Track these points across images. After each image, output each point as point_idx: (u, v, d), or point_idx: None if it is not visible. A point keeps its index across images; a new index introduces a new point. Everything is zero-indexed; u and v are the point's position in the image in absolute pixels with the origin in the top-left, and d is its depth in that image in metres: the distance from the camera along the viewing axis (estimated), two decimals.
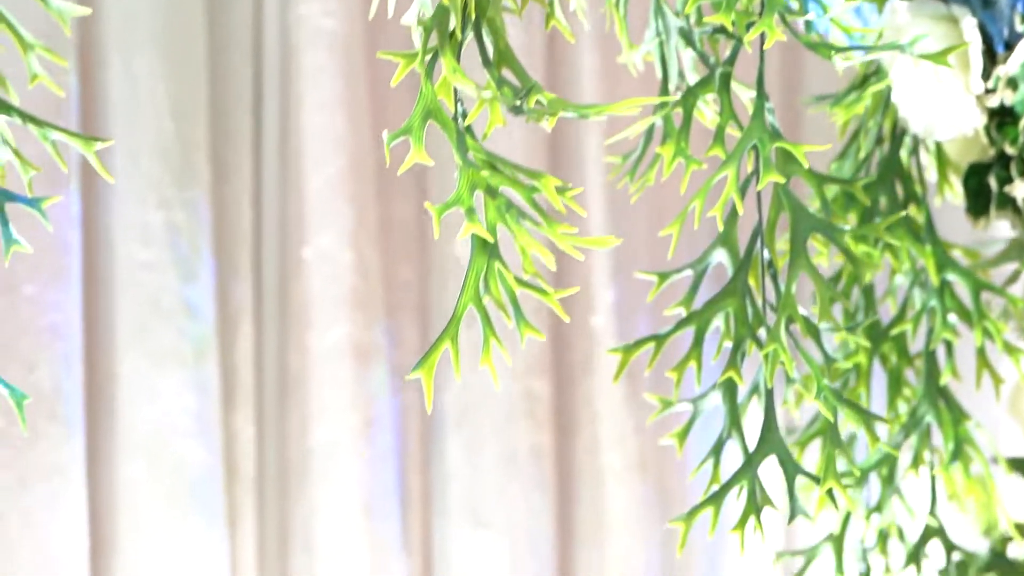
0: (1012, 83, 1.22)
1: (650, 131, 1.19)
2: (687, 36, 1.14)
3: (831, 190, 1.31)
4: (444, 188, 1.83)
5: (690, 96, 1.14)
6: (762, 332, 1.15)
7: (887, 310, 1.41)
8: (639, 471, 1.85)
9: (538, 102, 0.98)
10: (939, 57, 1.11)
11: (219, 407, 1.70)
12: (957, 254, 1.37)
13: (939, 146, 1.37)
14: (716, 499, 1.14)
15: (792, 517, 1.12)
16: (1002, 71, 1.22)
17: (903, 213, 1.20)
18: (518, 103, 0.97)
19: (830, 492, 1.10)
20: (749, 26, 1.09)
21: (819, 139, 1.89)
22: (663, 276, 1.19)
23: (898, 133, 1.33)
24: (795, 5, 1.12)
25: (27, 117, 0.99)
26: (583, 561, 1.84)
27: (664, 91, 1.19)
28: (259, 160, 1.76)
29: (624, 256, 1.84)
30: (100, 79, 1.65)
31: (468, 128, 1.01)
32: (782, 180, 1.09)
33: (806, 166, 1.10)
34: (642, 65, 1.25)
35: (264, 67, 1.75)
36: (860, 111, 1.31)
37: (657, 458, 1.86)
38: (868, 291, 1.33)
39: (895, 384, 1.33)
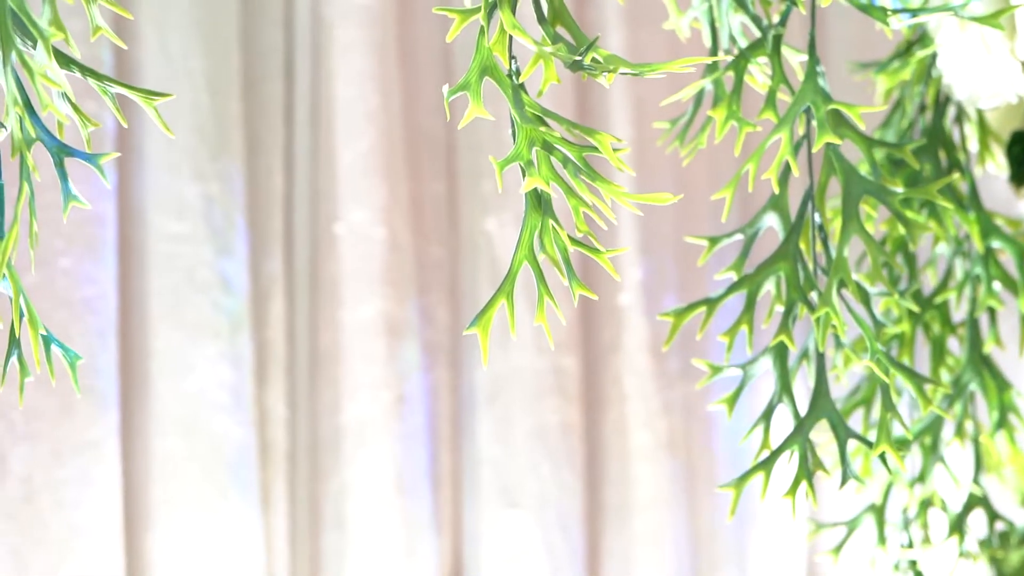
0: None
1: (699, 96, 1.18)
2: (742, 2, 1.13)
3: (879, 155, 1.29)
4: (475, 166, 1.81)
5: (742, 59, 1.13)
6: (813, 296, 1.13)
7: (927, 281, 1.40)
8: (668, 449, 1.84)
9: (594, 59, 0.97)
10: (990, 19, 1.09)
11: (253, 382, 1.68)
12: (1001, 223, 1.36)
13: (981, 115, 1.36)
14: (767, 464, 1.13)
15: (844, 482, 1.10)
16: None
17: (953, 176, 1.18)
18: (578, 58, 0.96)
19: (883, 456, 1.09)
20: None
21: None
22: (714, 240, 1.17)
23: (941, 101, 1.31)
24: None
25: (88, 71, 0.98)
26: (612, 539, 1.82)
27: (713, 55, 1.17)
28: (291, 134, 1.75)
29: (650, 234, 1.83)
30: (135, 55, 1.64)
31: (521, 85, 1.00)
32: (839, 141, 1.08)
33: (863, 127, 1.08)
34: (688, 31, 1.23)
35: (296, 42, 1.74)
36: (906, 77, 1.30)
37: (686, 437, 1.85)
38: (911, 259, 1.32)
39: (938, 353, 1.31)
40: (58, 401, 1.56)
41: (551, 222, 0.98)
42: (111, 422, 1.59)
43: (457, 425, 1.81)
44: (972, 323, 1.30)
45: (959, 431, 1.29)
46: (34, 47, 0.97)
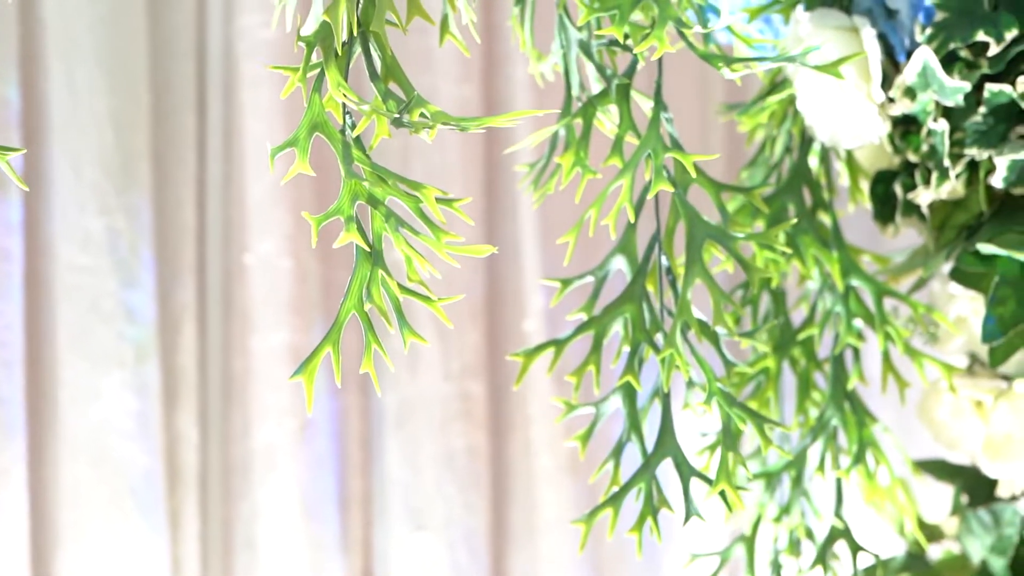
0: (910, 92, 1.20)
1: (554, 140, 1.17)
2: (586, 48, 1.12)
3: (738, 198, 1.29)
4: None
5: (589, 107, 1.12)
6: (660, 337, 1.13)
7: (803, 315, 1.39)
8: (570, 473, 1.83)
9: (422, 115, 0.96)
10: (831, 68, 1.08)
11: (160, 408, 1.67)
12: (868, 260, 1.35)
13: (850, 153, 1.35)
14: (615, 500, 1.12)
15: (687, 518, 1.10)
16: (900, 81, 1.20)
17: (792, 221, 1.17)
18: (398, 115, 0.95)
19: (723, 494, 1.08)
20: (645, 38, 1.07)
21: (736, 147, 1.87)
22: (565, 283, 1.16)
23: (807, 140, 1.31)
24: (693, 16, 1.10)
25: None
26: (517, 559, 1.81)
27: (568, 101, 1.16)
28: (203, 167, 1.74)
29: (554, 262, 1.82)
30: (42, 90, 1.63)
31: (357, 140, 0.99)
32: (671, 189, 1.07)
33: (693, 175, 1.08)
34: (552, 76, 1.23)
35: (208, 76, 1.73)
36: (764, 120, 1.29)
37: (588, 460, 1.84)
38: (778, 296, 1.31)
39: (804, 387, 1.30)
40: None
41: (380, 272, 0.97)
42: (17, 450, 1.58)
43: (367, 448, 1.80)
44: (835, 359, 1.29)
45: (820, 465, 1.28)
46: None
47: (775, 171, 1.31)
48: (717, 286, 1.09)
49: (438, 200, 0.95)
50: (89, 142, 1.63)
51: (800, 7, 1.24)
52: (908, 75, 1.19)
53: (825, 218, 1.30)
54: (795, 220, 1.17)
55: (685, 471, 1.10)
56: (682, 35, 1.08)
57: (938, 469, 1.41)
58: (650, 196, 1.08)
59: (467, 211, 2.00)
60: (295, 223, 1.73)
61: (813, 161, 1.31)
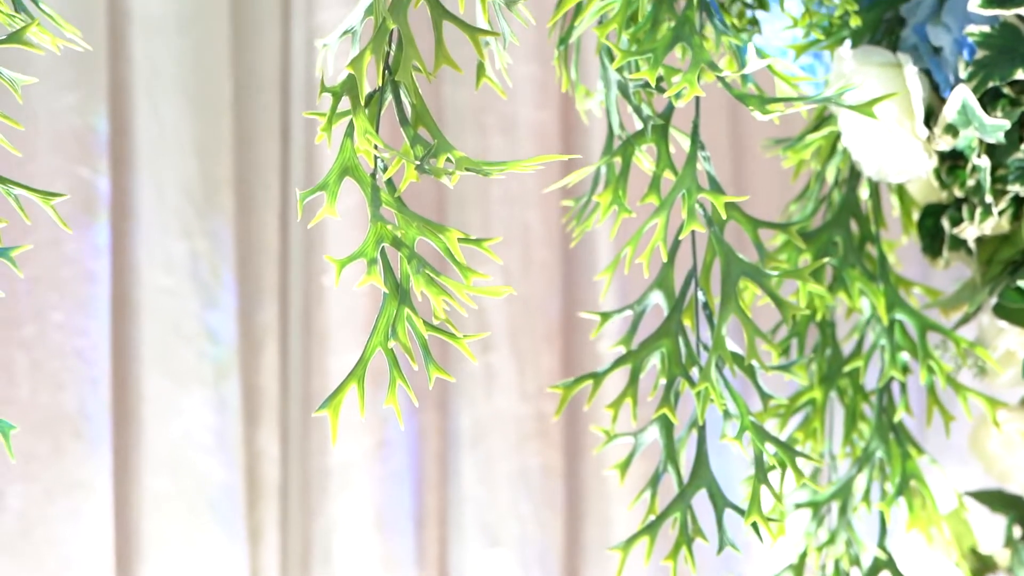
0: (951, 130, 1.19)
1: (596, 177, 1.19)
2: (624, 89, 1.13)
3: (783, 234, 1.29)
4: (460, 221, 1.83)
5: (627, 146, 1.13)
6: (696, 371, 1.13)
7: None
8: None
9: (448, 159, 0.98)
10: (866, 108, 1.08)
11: (240, 425, 1.71)
12: (919, 292, 1.34)
13: (901, 186, 1.34)
14: (651, 529, 1.13)
15: (721, 548, 1.10)
16: (941, 118, 1.19)
17: (824, 260, 1.17)
18: (418, 162, 0.97)
19: (755, 525, 1.09)
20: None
21: (775, 183, 1.85)
22: (605, 316, 1.18)
23: (855, 173, 1.30)
24: (725, 57, 1.11)
25: None
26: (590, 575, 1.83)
27: (609, 139, 1.18)
28: (287, 192, 1.78)
29: (630, 286, 1.83)
30: (129, 120, 1.68)
31: (389, 182, 1.02)
32: (702, 230, 1.08)
33: (723, 216, 1.08)
34: (600, 113, 1.24)
35: (291, 105, 1.76)
36: (807, 156, 1.29)
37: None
38: (825, 328, 1.31)
39: (851, 418, 1.30)
40: (51, 443, 1.61)
41: (407, 310, 1.00)
42: (102, 463, 1.63)
43: (444, 466, 1.82)
44: (880, 391, 1.28)
45: (865, 496, 1.28)
46: None
47: (824, 204, 1.31)
48: (751, 322, 1.10)
49: (463, 240, 0.98)
50: (173, 169, 1.68)
51: (847, 43, 1.24)
52: (948, 112, 1.18)
53: (875, 251, 1.30)
54: (827, 260, 1.17)
55: (719, 502, 1.11)
56: (719, 78, 1.09)
57: (993, 500, 1.40)
58: (681, 236, 1.09)
59: (546, 235, 2.02)
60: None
61: (865, 193, 1.31)
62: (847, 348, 1.35)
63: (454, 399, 1.83)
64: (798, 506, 1.31)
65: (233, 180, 1.71)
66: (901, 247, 1.37)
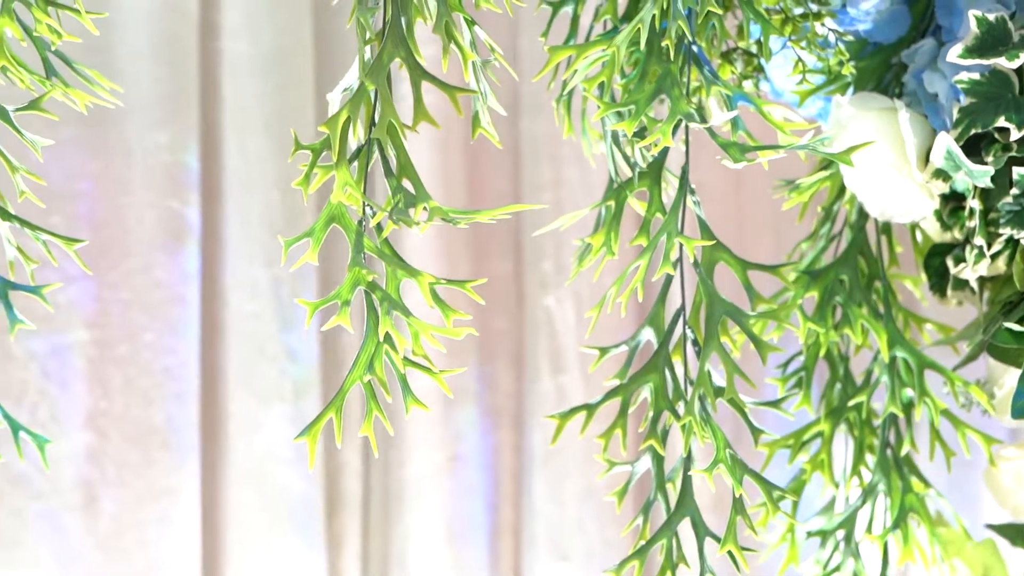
0: (940, 174, 1.20)
1: (597, 220, 1.22)
2: (615, 137, 1.17)
3: (794, 269, 1.31)
4: (537, 248, 1.88)
5: (620, 191, 1.17)
6: (683, 405, 1.16)
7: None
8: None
9: (424, 208, 1.03)
10: (843, 156, 1.10)
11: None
12: (931, 329, 1.34)
13: (915, 225, 1.35)
14: (641, 554, 1.17)
15: (701, 574, 1.13)
16: (930, 164, 1.20)
17: (799, 300, 1.19)
18: (389, 213, 1.03)
19: (730, 553, 1.11)
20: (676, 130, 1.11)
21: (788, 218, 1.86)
22: (603, 351, 1.21)
23: (863, 213, 1.31)
24: (715, 103, 1.14)
25: (23, 222, 1.07)
26: None
27: (610, 184, 1.21)
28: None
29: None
30: (218, 156, 1.77)
31: (378, 226, 1.07)
32: (672, 272, 1.11)
33: (691, 258, 1.11)
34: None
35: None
36: (806, 199, 1.30)
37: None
38: (835, 362, 1.32)
39: (859, 452, 1.31)
40: (142, 453, 1.71)
41: (385, 347, 1.05)
42: (189, 472, 1.72)
43: (518, 482, 1.87)
44: (883, 426, 1.29)
45: (868, 528, 1.29)
46: None
47: (836, 242, 1.32)
48: (731, 360, 1.12)
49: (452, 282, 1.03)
50: (258, 201, 1.77)
51: (850, 90, 1.26)
52: (935, 158, 1.19)
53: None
54: (799, 300, 1.18)
55: (700, 531, 1.14)
56: (706, 125, 1.11)
57: (1013, 533, 1.39)
58: (653, 279, 1.12)
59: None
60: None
61: (875, 230, 1.31)
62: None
63: (528, 418, 1.87)
64: (810, 534, 1.33)
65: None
66: (924, 284, 1.37)
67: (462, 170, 1.85)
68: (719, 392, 1.14)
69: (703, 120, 1.11)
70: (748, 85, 1.27)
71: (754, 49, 1.25)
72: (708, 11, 1.07)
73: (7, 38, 1.01)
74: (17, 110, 1.03)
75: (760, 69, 1.27)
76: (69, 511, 1.68)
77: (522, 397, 1.88)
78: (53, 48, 1.04)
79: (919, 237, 1.36)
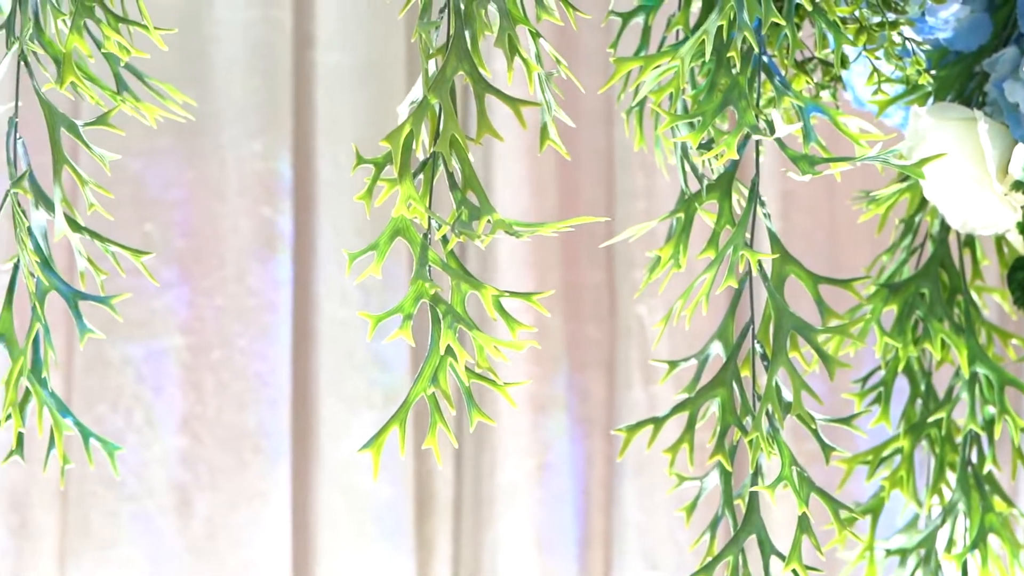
0: (1019, 186, 1.16)
1: (670, 230, 1.21)
2: (685, 149, 1.15)
3: (874, 283, 1.28)
4: (629, 257, 1.87)
5: (689, 203, 1.15)
6: (750, 420, 1.14)
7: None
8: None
9: (488, 221, 1.03)
10: (915, 168, 1.07)
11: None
12: (1016, 343, 1.31)
13: (1001, 238, 1.31)
14: (707, 570, 1.15)
15: None
16: (1008, 175, 1.16)
17: (878, 314, 1.16)
18: (451, 226, 1.03)
19: (794, 571, 1.10)
20: (745, 141, 1.10)
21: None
22: (672, 364, 1.20)
23: (945, 225, 1.28)
24: (778, 117, 1.12)
25: (92, 234, 1.08)
26: None
27: (681, 195, 1.20)
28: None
29: None
30: (310, 165, 1.79)
31: (444, 239, 1.07)
32: (735, 286, 1.09)
33: (755, 271, 1.09)
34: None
35: (473, 155, 1.84)
36: (882, 211, 1.27)
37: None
38: (916, 377, 1.29)
39: (939, 469, 1.28)
40: (235, 458, 1.73)
41: (449, 360, 1.05)
42: (280, 476, 1.74)
43: (609, 491, 1.86)
44: (964, 443, 1.26)
45: (948, 547, 1.25)
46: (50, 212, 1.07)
47: (916, 255, 1.29)
48: (798, 376, 1.10)
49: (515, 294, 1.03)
50: (349, 210, 1.78)
51: (930, 100, 1.23)
52: (1014, 170, 1.15)
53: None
54: (846, 322, 1.16)
55: (766, 549, 1.13)
56: (773, 138, 1.10)
57: None
58: (717, 292, 1.10)
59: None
60: (537, 281, 1.82)
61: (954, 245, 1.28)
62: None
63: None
64: (889, 553, 1.30)
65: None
66: None
67: (555, 178, 1.85)
68: (787, 408, 1.12)
69: (771, 132, 1.09)
70: (826, 95, 1.25)
71: (831, 59, 1.22)
72: (773, 22, 1.05)
73: (79, 54, 1.03)
74: (85, 125, 1.05)
75: (838, 79, 1.25)
76: (162, 513, 1.71)
77: (613, 406, 1.87)
78: (123, 63, 1.06)
79: (1006, 250, 1.33)
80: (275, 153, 1.75)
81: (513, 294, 1.07)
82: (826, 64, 1.24)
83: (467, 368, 1.06)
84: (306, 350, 1.78)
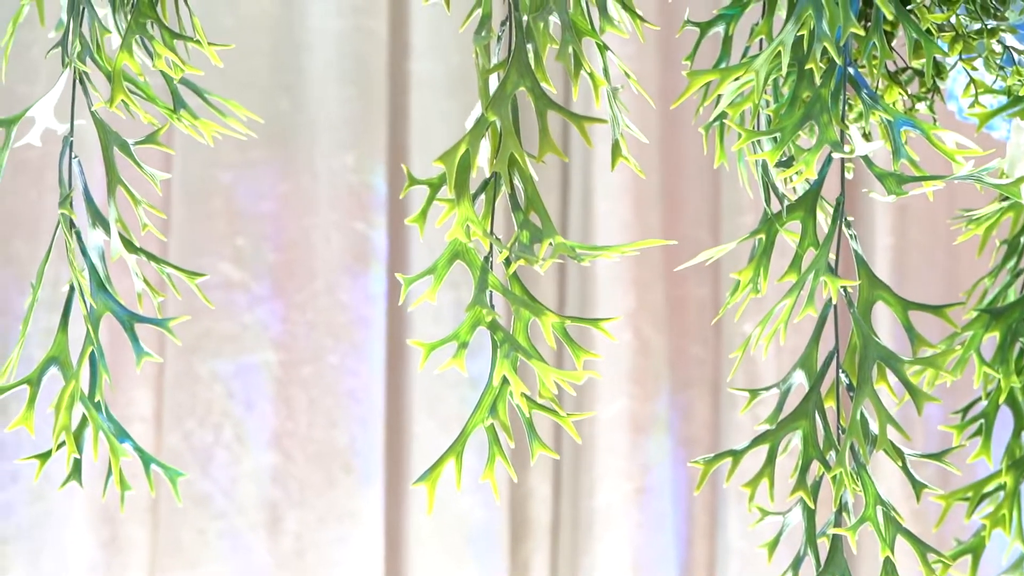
0: None
1: (752, 251, 1.15)
2: (766, 166, 1.10)
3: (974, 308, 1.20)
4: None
5: (770, 224, 1.09)
6: (832, 455, 1.08)
7: None
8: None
9: (550, 244, 0.99)
10: (1012, 188, 1.00)
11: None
12: None
13: None
14: None
15: None
16: None
17: (977, 343, 1.09)
18: (510, 251, 0.99)
19: None
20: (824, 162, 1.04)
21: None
22: (754, 393, 1.14)
23: None
24: (856, 133, 1.05)
25: (149, 255, 1.05)
26: None
27: (764, 215, 1.14)
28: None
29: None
30: (404, 178, 1.76)
31: (507, 261, 1.03)
32: (815, 314, 1.03)
33: (834, 299, 1.03)
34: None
35: (570, 156, 1.80)
36: (981, 231, 1.20)
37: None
38: (1019, 410, 1.21)
39: None
40: (325, 476, 1.71)
41: (508, 388, 1.01)
42: (371, 495, 1.72)
43: (713, 516, 1.81)
44: None
45: None
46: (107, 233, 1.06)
47: (1021, 278, 1.22)
48: (884, 409, 1.04)
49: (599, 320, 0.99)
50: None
51: None
52: None
53: None
54: (958, 350, 1.08)
55: None
56: (865, 161, 1.04)
57: None
58: (797, 320, 1.04)
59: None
60: (637, 299, 1.77)
61: None
62: None
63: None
64: None
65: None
66: None
67: (658, 190, 1.80)
68: (873, 441, 1.06)
69: (845, 154, 1.03)
70: (922, 107, 1.18)
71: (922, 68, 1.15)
72: (852, 31, 0.99)
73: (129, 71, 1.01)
74: (136, 143, 1.03)
75: (935, 90, 1.18)
76: (252, 530, 1.70)
77: (718, 427, 1.81)
78: (178, 79, 1.03)
79: None
80: (368, 166, 1.72)
81: (577, 320, 1.02)
82: (918, 73, 1.17)
83: (528, 398, 1.02)
84: (399, 367, 1.75)
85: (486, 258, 1.04)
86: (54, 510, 1.66)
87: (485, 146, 1.05)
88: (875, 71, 1.12)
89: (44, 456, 1.05)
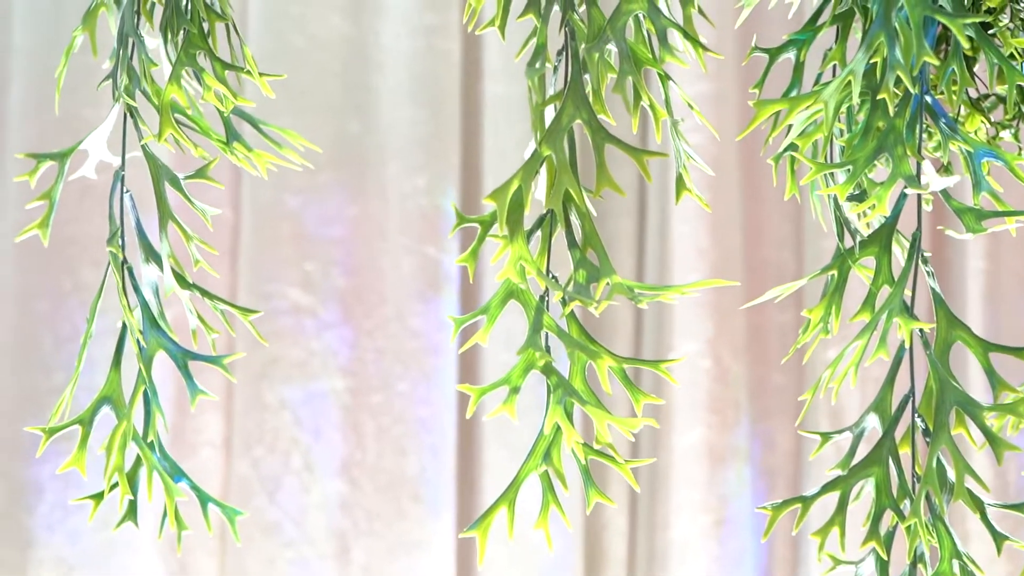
0: None
1: (824, 289, 1.10)
2: (836, 201, 1.05)
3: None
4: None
5: (843, 259, 1.05)
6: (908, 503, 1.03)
7: None
8: None
9: (607, 284, 0.95)
10: None
11: (577, 498, 1.72)
12: None
13: None
14: None
15: None
16: None
17: (1021, 398, 1.03)
18: (566, 294, 0.95)
19: None
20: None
21: None
22: (825, 436, 1.10)
23: None
24: (925, 166, 1.00)
25: (203, 292, 1.03)
26: None
27: (837, 250, 1.10)
28: (641, 267, 1.77)
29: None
30: (478, 201, 1.73)
31: (563, 301, 1.00)
32: (887, 358, 0.98)
33: (907, 343, 0.98)
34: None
35: (649, 187, 1.76)
36: None
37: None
38: None
39: None
40: (394, 506, 1.69)
41: (563, 436, 0.97)
42: (442, 526, 1.69)
43: (796, 550, 1.75)
44: None
45: None
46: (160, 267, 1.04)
47: None
48: (961, 457, 0.99)
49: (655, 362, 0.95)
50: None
51: None
52: None
53: None
54: None
55: None
56: (943, 193, 0.99)
57: None
58: (868, 363, 1.00)
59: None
60: (716, 327, 1.72)
61: None
62: None
63: (805, 480, 1.75)
64: None
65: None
66: None
67: (738, 213, 1.75)
68: (951, 491, 1.01)
69: (921, 189, 0.98)
70: (1007, 135, 1.13)
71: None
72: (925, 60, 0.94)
73: (181, 104, 0.99)
74: (187, 178, 1.01)
75: (1022, 116, 1.12)
76: (320, 559, 1.68)
77: (801, 457, 1.76)
78: (228, 111, 1.01)
79: None
80: (440, 189, 1.69)
81: (633, 361, 0.98)
82: (1001, 100, 1.12)
83: (584, 445, 0.98)
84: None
85: (541, 297, 1.00)
86: (122, 538, 1.65)
87: (543, 180, 1.02)
88: (955, 98, 1.07)
89: (98, 497, 1.03)
